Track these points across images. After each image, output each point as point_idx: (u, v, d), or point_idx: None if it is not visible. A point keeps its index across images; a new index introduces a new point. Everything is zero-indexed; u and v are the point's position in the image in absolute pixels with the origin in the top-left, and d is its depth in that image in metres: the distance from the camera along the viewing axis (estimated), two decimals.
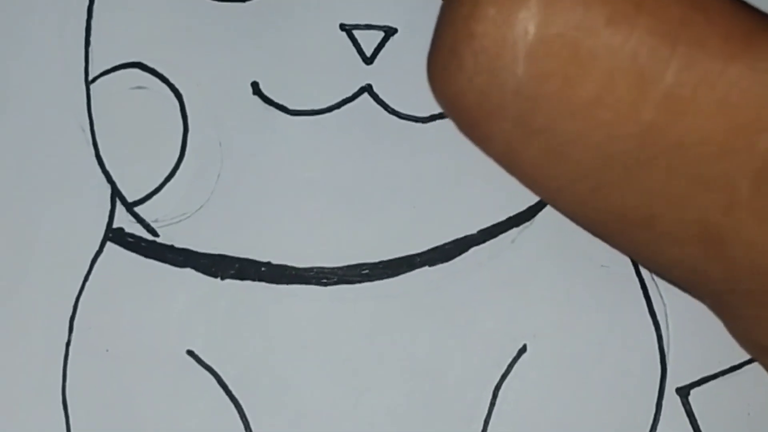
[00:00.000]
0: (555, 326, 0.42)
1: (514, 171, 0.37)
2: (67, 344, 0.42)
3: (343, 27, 0.43)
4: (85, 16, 0.43)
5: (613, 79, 0.34)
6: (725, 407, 0.42)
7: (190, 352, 0.42)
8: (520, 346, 0.42)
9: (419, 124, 0.43)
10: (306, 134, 0.43)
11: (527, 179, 0.37)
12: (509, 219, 0.43)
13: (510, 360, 0.42)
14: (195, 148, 0.43)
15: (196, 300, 0.42)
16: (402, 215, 0.43)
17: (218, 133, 0.43)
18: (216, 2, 0.43)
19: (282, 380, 0.42)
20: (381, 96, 0.43)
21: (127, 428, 0.42)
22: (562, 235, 0.42)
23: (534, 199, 0.43)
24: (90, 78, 0.43)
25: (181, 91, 0.43)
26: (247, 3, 0.43)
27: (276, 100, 0.43)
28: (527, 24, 0.33)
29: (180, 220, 0.43)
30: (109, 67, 0.43)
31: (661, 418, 0.42)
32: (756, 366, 0.42)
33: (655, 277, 0.43)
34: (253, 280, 0.42)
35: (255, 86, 0.43)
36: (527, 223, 0.43)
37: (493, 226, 0.43)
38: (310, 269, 0.42)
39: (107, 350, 0.42)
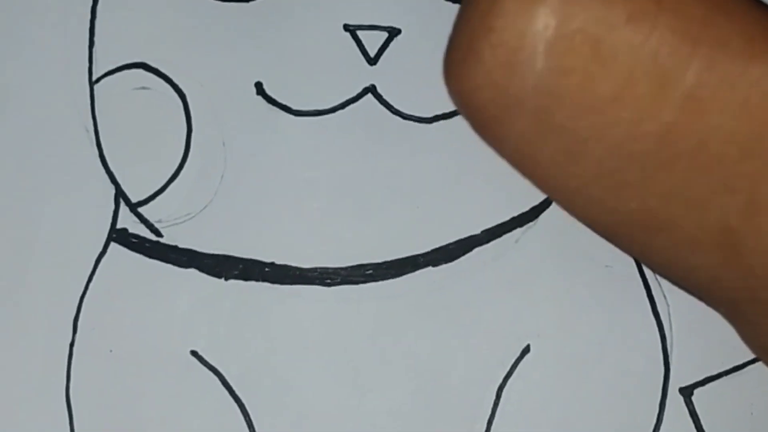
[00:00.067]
0: (558, 326, 0.42)
1: (528, 171, 0.36)
2: (71, 344, 0.42)
3: (346, 27, 0.42)
4: (88, 17, 0.43)
5: (633, 77, 0.33)
6: (728, 407, 0.42)
7: (194, 353, 0.42)
8: (524, 346, 0.42)
9: (423, 125, 0.42)
10: (309, 135, 0.42)
11: (541, 179, 0.37)
12: (513, 219, 0.42)
13: (513, 360, 0.42)
14: (198, 149, 0.42)
15: (200, 300, 0.42)
16: (406, 215, 0.42)
17: (222, 134, 0.42)
18: (219, 2, 0.42)
19: (285, 380, 0.42)
20: (385, 97, 0.42)
21: (131, 428, 0.41)
22: (565, 235, 0.42)
23: (538, 199, 0.42)
24: (94, 78, 0.42)
25: (185, 91, 0.42)
26: (251, 3, 0.42)
27: (279, 100, 0.42)
28: (547, 19, 0.33)
29: (184, 221, 0.42)
30: (112, 67, 0.42)
31: (665, 418, 0.42)
32: (759, 366, 0.41)
33: (659, 277, 0.42)
34: (257, 280, 0.42)
35: (258, 86, 0.42)
36: (531, 224, 0.42)
37: (497, 226, 0.42)
38: (314, 269, 0.42)
39: (111, 350, 0.42)
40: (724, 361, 0.42)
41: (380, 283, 0.42)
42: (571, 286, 0.42)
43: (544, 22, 0.33)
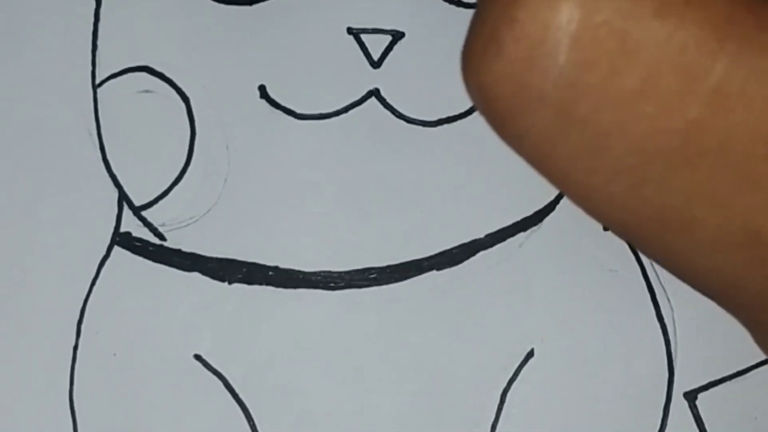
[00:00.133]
0: (562, 330, 0.41)
1: (547, 168, 0.35)
2: (75, 348, 0.41)
3: (350, 31, 0.42)
4: (92, 20, 0.42)
5: (659, 72, 0.32)
6: (732, 411, 0.41)
7: (197, 356, 0.41)
8: (528, 350, 0.41)
9: (427, 128, 0.42)
10: (313, 138, 0.42)
11: (561, 177, 0.35)
12: (517, 223, 0.42)
13: (518, 364, 0.41)
14: (202, 152, 0.42)
15: (204, 304, 0.41)
16: (409, 219, 0.42)
17: (225, 137, 0.42)
18: (223, 6, 0.42)
19: (289, 384, 0.41)
20: (388, 100, 0.42)
21: (134, 431, 0.41)
22: (569, 239, 0.41)
23: (542, 203, 0.42)
24: (97, 82, 0.42)
25: (188, 94, 0.42)
26: (254, 6, 0.42)
27: (283, 103, 0.42)
28: (572, 11, 0.32)
29: (187, 224, 0.42)
30: (116, 70, 0.42)
31: (669, 422, 0.41)
32: (763, 371, 0.41)
33: (663, 282, 0.41)
34: (261, 284, 0.41)
35: (262, 90, 0.42)
36: (535, 228, 0.42)
37: (501, 230, 0.42)
38: (318, 273, 0.42)
39: (114, 354, 0.41)
40: (728, 365, 0.42)
41: (384, 287, 0.42)
42: (575, 290, 0.42)
43: (568, 15, 0.32)
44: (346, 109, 0.41)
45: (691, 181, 0.33)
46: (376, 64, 0.41)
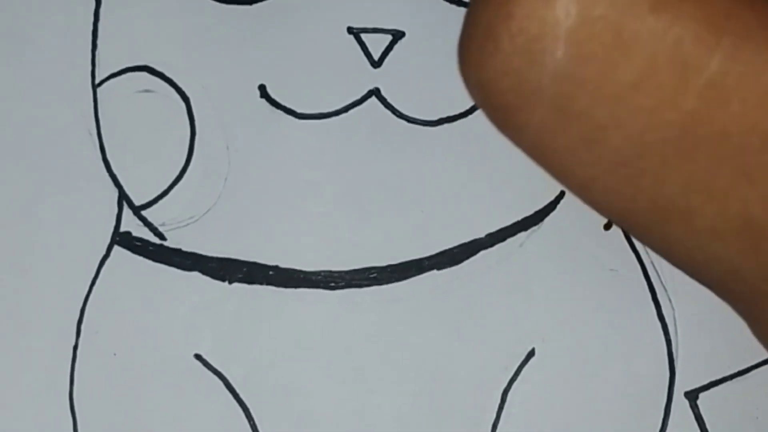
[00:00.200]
0: (563, 330, 0.42)
1: (545, 161, 0.36)
2: (75, 348, 0.42)
3: (350, 30, 0.42)
4: (92, 20, 0.43)
5: (655, 65, 0.33)
6: (734, 411, 0.42)
7: (198, 356, 0.42)
8: (529, 349, 0.42)
9: (427, 128, 0.42)
10: (313, 137, 0.42)
11: (559, 169, 0.36)
12: (517, 223, 0.42)
13: (518, 363, 0.42)
14: (202, 152, 0.42)
15: (204, 304, 0.42)
16: (410, 219, 0.42)
17: (225, 137, 0.42)
18: (223, 5, 0.42)
19: (289, 384, 0.42)
20: (389, 99, 0.42)
21: (134, 431, 0.42)
22: (570, 238, 0.42)
23: (542, 203, 0.42)
24: (97, 81, 0.42)
25: (188, 94, 0.42)
26: (254, 6, 0.43)
27: (283, 103, 0.42)
28: (569, 5, 0.32)
29: (187, 224, 0.42)
30: (116, 70, 0.43)
31: (670, 421, 0.42)
32: (765, 370, 0.42)
33: (664, 281, 0.42)
34: (261, 283, 0.42)
35: (262, 89, 0.42)
36: (535, 227, 0.42)
37: (502, 229, 0.42)
38: (318, 273, 0.42)
39: (114, 354, 0.42)
40: (729, 365, 0.42)
41: (384, 286, 0.42)
42: (576, 290, 0.42)
43: (565, 9, 0.33)
44: (346, 109, 0.42)
45: (687, 172, 0.34)
46: (376, 64, 0.42)
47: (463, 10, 0.41)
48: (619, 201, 0.36)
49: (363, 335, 0.42)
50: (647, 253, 0.42)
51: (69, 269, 0.42)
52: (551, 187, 0.38)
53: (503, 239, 0.42)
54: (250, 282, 0.42)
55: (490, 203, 0.42)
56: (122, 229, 0.42)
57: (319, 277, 0.42)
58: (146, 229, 0.42)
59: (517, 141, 0.36)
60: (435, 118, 0.42)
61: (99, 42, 0.43)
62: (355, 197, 0.42)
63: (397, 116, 0.42)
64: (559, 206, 0.42)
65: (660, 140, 0.34)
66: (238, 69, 0.43)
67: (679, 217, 0.35)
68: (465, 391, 0.42)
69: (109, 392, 0.42)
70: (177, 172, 0.42)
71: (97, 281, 0.42)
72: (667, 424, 0.42)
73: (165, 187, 0.42)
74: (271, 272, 0.42)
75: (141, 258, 0.42)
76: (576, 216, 0.40)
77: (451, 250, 0.42)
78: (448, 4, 0.42)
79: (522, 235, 0.42)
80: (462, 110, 0.42)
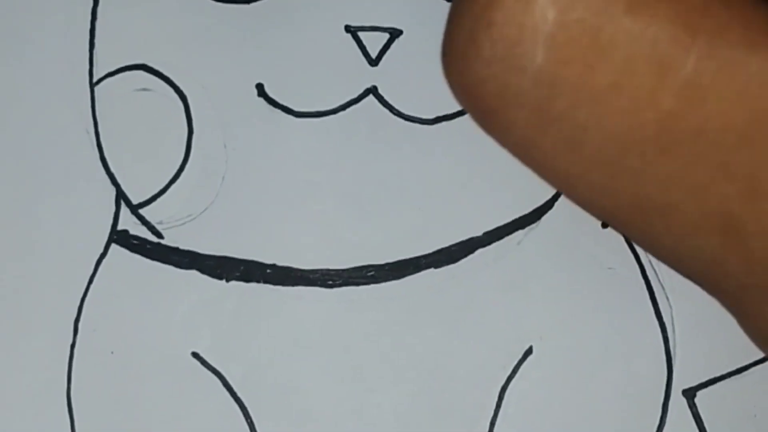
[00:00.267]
0: (561, 328, 0.43)
1: (530, 160, 0.37)
2: (72, 346, 0.42)
3: (348, 29, 0.43)
4: (89, 18, 0.43)
5: (632, 66, 0.34)
6: (731, 409, 0.43)
7: (195, 354, 0.42)
8: (526, 347, 0.43)
9: (425, 126, 0.43)
10: (311, 136, 0.43)
11: (543, 169, 0.37)
12: (515, 221, 0.43)
13: (516, 362, 0.43)
14: (200, 150, 0.43)
15: (201, 302, 0.43)
16: (407, 217, 0.43)
17: (223, 135, 0.43)
18: (220, 4, 0.43)
19: (287, 382, 0.42)
20: (386, 98, 0.43)
21: (132, 430, 0.42)
22: (568, 237, 0.43)
23: (540, 201, 0.43)
24: (94, 80, 0.43)
25: (186, 92, 0.43)
26: (252, 5, 0.43)
27: (281, 101, 0.43)
28: (546, 10, 0.33)
29: (185, 222, 0.43)
30: (113, 69, 0.43)
31: (668, 420, 0.42)
32: (762, 368, 0.42)
33: (662, 280, 0.43)
34: (259, 281, 0.43)
35: (260, 88, 0.43)
36: (533, 225, 0.43)
37: (499, 228, 0.43)
38: (316, 271, 0.43)
39: (112, 352, 0.42)
40: (727, 362, 0.43)
41: (382, 284, 0.43)
42: (574, 288, 0.43)
43: (543, 15, 0.34)
44: (343, 107, 0.42)
45: (667, 170, 0.35)
46: (373, 62, 0.42)
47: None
48: (602, 199, 0.37)
49: (360, 333, 0.42)
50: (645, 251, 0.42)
51: (66, 267, 0.43)
52: (549, 185, 0.38)
53: (501, 237, 0.43)
54: (247, 280, 0.42)
55: (488, 201, 0.43)
56: (120, 227, 0.43)
57: (317, 275, 0.42)
58: (144, 228, 0.43)
59: (501, 142, 0.37)
60: (432, 116, 0.43)
61: (96, 40, 0.43)
62: (353, 195, 0.43)
63: (395, 114, 0.43)
64: (556, 204, 0.43)
65: (639, 139, 0.35)
66: (236, 67, 0.43)
67: (661, 213, 0.36)
68: (463, 389, 0.42)
69: (106, 391, 0.42)
70: (174, 171, 0.43)
71: (95, 279, 0.43)
72: (664, 422, 0.42)
73: (162, 185, 0.43)
74: (268, 270, 0.42)
75: (138, 256, 0.43)
76: (573, 214, 0.40)
77: (448, 248, 0.42)
78: (445, 2, 0.43)
79: (519, 233, 0.43)
80: (459, 108, 0.42)
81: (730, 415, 0.43)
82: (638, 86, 0.34)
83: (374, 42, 0.43)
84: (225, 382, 0.43)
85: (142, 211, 0.43)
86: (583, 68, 0.34)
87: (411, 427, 0.43)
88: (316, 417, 0.43)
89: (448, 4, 0.42)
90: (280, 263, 0.43)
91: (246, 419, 0.42)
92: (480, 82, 0.35)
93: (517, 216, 0.43)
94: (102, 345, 0.43)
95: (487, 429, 0.43)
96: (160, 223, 0.43)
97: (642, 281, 0.43)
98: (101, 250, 0.43)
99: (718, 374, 0.43)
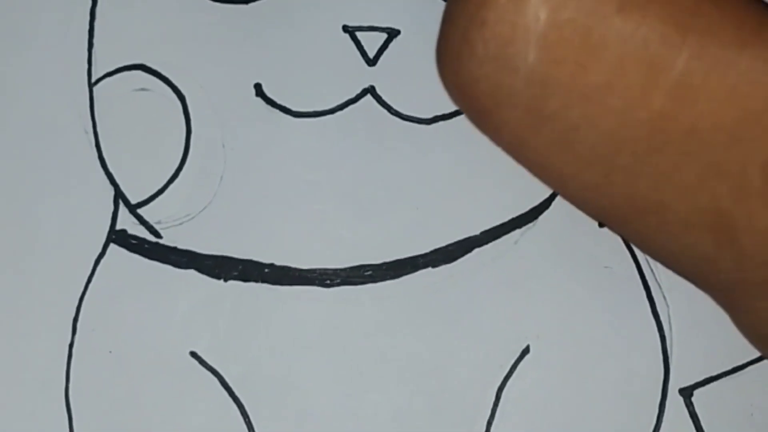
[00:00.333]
0: (558, 327, 0.43)
1: (523, 159, 0.38)
2: (71, 346, 0.43)
3: (345, 28, 0.43)
4: (87, 18, 0.44)
5: (623, 66, 0.34)
6: (728, 408, 0.43)
7: (194, 354, 0.43)
8: (524, 346, 0.43)
9: (422, 126, 0.43)
10: (309, 136, 0.43)
11: (537, 167, 0.38)
12: (512, 220, 0.43)
13: (513, 361, 0.43)
14: (198, 150, 0.43)
15: (200, 301, 0.43)
16: (405, 216, 0.43)
17: (221, 135, 0.43)
18: (218, 4, 0.44)
19: (285, 381, 0.43)
20: (384, 97, 0.43)
21: (130, 429, 0.42)
22: (565, 236, 0.43)
23: (537, 200, 0.43)
24: (93, 80, 0.43)
25: (184, 92, 0.43)
26: (250, 5, 0.44)
27: (279, 101, 0.43)
28: (538, 10, 0.34)
29: (183, 222, 0.43)
30: (112, 69, 0.43)
31: (664, 418, 0.43)
32: (759, 366, 0.43)
33: (659, 279, 0.43)
34: (257, 281, 0.43)
35: (258, 88, 0.43)
36: (530, 225, 0.43)
37: (496, 227, 0.43)
38: (314, 270, 0.43)
39: (110, 352, 0.43)
40: (724, 361, 0.43)
41: (379, 284, 0.43)
42: (571, 287, 0.43)
43: (535, 15, 0.34)
44: (341, 107, 0.43)
45: (659, 168, 0.36)
46: (371, 62, 0.42)
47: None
48: (595, 196, 0.38)
49: (358, 332, 0.43)
50: None
51: (65, 267, 0.43)
52: (544, 184, 0.39)
53: (498, 237, 0.43)
54: (245, 280, 0.43)
55: (485, 200, 0.43)
56: (118, 227, 0.43)
57: (314, 274, 0.42)
58: (142, 227, 0.43)
59: (495, 141, 0.38)
60: (430, 115, 0.43)
61: (95, 40, 0.44)
62: (351, 195, 0.43)
63: (392, 114, 0.43)
64: (553, 204, 0.43)
65: (631, 138, 0.35)
66: (234, 67, 0.44)
67: (653, 211, 0.37)
68: (460, 388, 0.43)
69: (104, 390, 0.43)
70: (173, 171, 0.43)
71: (93, 279, 0.43)
72: (661, 421, 0.43)
73: (161, 185, 0.43)
74: (266, 270, 0.42)
75: (137, 256, 0.43)
76: (570, 214, 0.41)
77: (445, 247, 0.43)
78: (442, 2, 0.43)
79: (517, 232, 0.43)
80: (456, 108, 0.42)
81: (727, 413, 0.43)
82: (630, 86, 0.35)
83: (372, 42, 0.44)
84: (223, 381, 0.43)
85: (140, 211, 0.43)
86: (575, 68, 0.34)
87: (408, 427, 0.43)
88: (314, 416, 0.43)
89: (445, 5, 0.42)
90: (278, 263, 0.43)
91: (244, 418, 0.43)
92: (473, 82, 0.36)
93: (514, 215, 0.44)
94: (100, 344, 0.43)
95: (485, 428, 0.43)
96: (159, 222, 0.43)
97: (639, 280, 0.44)
98: (100, 250, 0.43)
99: (714, 373, 0.43)
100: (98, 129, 0.44)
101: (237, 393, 0.43)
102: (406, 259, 0.43)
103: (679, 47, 0.34)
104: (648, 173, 0.36)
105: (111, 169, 0.44)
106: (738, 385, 0.43)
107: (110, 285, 0.43)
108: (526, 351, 0.43)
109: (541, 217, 0.44)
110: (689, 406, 0.43)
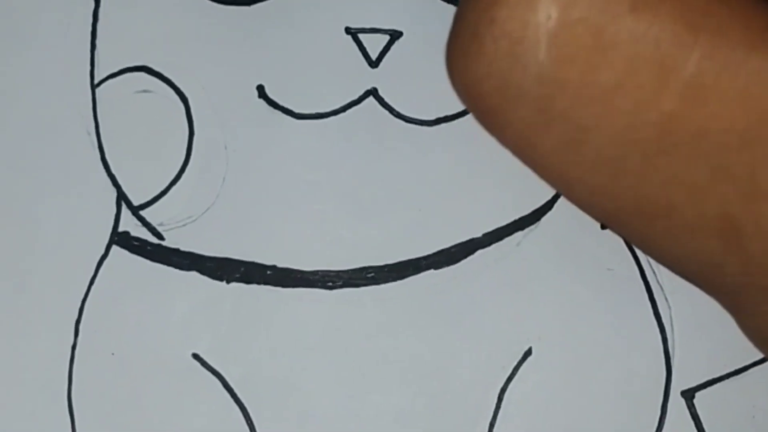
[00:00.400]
0: (560, 329, 0.43)
1: (531, 160, 0.37)
2: (73, 347, 0.42)
3: (348, 30, 0.43)
4: (90, 20, 0.43)
5: (634, 66, 0.34)
6: (730, 410, 0.43)
7: (196, 356, 0.42)
8: (526, 348, 0.43)
9: (425, 128, 0.43)
10: (311, 137, 0.43)
11: (544, 169, 0.37)
12: (514, 222, 0.43)
13: (515, 363, 0.43)
14: (200, 152, 0.43)
15: (202, 303, 0.43)
16: (407, 218, 0.43)
17: (224, 137, 0.43)
18: (221, 6, 0.43)
19: (287, 383, 0.42)
20: (386, 99, 0.43)
21: (133, 431, 0.42)
22: (567, 238, 0.43)
23: (539, 202, 0.43)
24: (96, 81, 0.43)
25: (187, 94, 0.43)
26: (253, 6, 0.43)
27: (281, 103, 0.43)
28: (549, 8, 0.33)
29: (185, 224, 0.43)
30: (114, 70, 0.43)
31: (666, 421, 0.42)
32: (761, 369, 0.42)
33: (661, 281, 0.43)
34: (259, 283, 0.43)
35: (260, 89, 0.43)
36: (532, 226, 0.43)
37: (499, 229, 0.43)
38: (316, 272, 0.43)
39: (113, 353, 0.42)
40: (726, 363, 0.43)
41: (382, 286, 0.43)
42: (573, 289, 0.43)
43: (546, 12, 0.34)
44: (344, 109, 0.42)
45: (668, 171, 0.35)
46: (374, 64, 0.42)
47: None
48: (602, 199, 0.37)
49: (360, 335, 0.43)
50: None
51: (67, 269, 0.43)
52: (548, 186, 0.39)
53: (500, 238, 0.43)
54: (247, 282, 0.42)
55: (488, 202, 0.43)
56: (121, 228, 0.43)
57: (317, 276, 0.42)
58: (144, 229, 0.43)
59: (502, 141, 0.37)
60: (432, 117, 0.43)
61: (98, 42, 0.43)
62: (353, 197, 0.43)
63: (395, 116, 0.43)
64: (556, 205, 0.43)
65: (641, 140, 0.35)
66: (237, 69, 0.43)
67: (661, 214, 0.36)
68: (462, 391, 0.42)
69: (107, 392, 0.42)
70: (175, 172, 0.43)
71: (96, 281, 0.43)
72: (663, 423, 0.42)
73: (163, 187, 0.43)
74: (268, 272, 0.42)
75: (139, 258, 0.43)
76: (573, 215, 0.40)
77: (448, 249, 0.43)
78: (445, 4, 0.43)
79: (519, 234, 0.43)
80: (459, 110, 0.42)
81: (729, 416, 0.43)
82: (640, 86, 0.34)
83: (374, 44, 0.43)
84: (225, 383, 0.43)
85: (142, 213, 0.43)
86: (585, 67, 0.34)
87: (410, 428, 0.43)
88: (316, 418, 0.43)
89: (448, 6, 0.42)
90: (280, 265, 0.43)
91: (246, 420, 0.43)
92: (482, 80, 0.35)
93: (516, 217, 0.43)
94: (103, 346, 0.43)
95: (486, 430, 0.42)
96: (161, 224, 0.43)
97: (641, 282, 0.43)
98: (102, 252, 0.43)
99: (717, 375, 0.43)
100: (101, 131, 0.43)
101: (239, 395, 0.43)
102: (408, 261, 0.43)
103: (691, 47, 0.34)
104: (656, 176, 0.35)
105: (113, 171, 0.43)
106: (740, 387, 0.43)
107: (113, 287, 0.43)
108: (528, 353, 0.43)
109: (543, 219, 0.43)
110: (691, 408, 0.43)
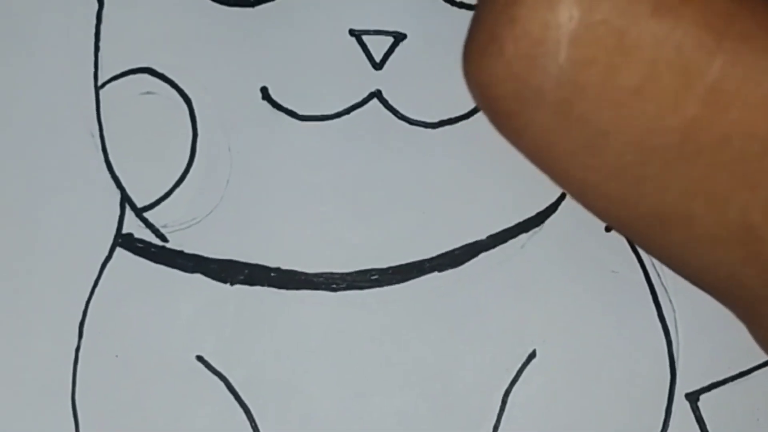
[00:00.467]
0: (564, 331, 0.42)
1: (547, 165, 0.36)
2: (77, 349, 0.42)
3: (352, 32, 0.43)
4: (94, 22, 0.43)
5: (656, 70, 0.33)
6: (734, 413, 0.42)
7: (200, 358, 0.42)
8: (530, 351, 0.42)
9: (429, 130, 0.42)
10: (315, 139, 0.42)
11: (561, 174, 0.36)
12: (519, 224, 0.42)
13: (519, 365, 0.42)
14: (204, 154, 0.42)
15: (206, 305, 0.42)
16: (411, 221, 0.42)
17: (227, 139, 0.42)
18: (225, 7, 0.43)
19: (291, 385, 0.42)
20: (390, 102, 0.42)
21: None
22: (571, 240, 0.42)
23: (543, 204, 0.42)
24: (99, 83, 0.43)
25: (190, 96, 0.42)
26: (257, 8, 0.43)
27: (285, 105, 0.42)
28: (571, 9, 0.32)
29: (189, 226, 0.42)
30: (118, 72, 0.43)
31: (671, 423, 0.42)
32: (766, 371, 0.42)
33: (665, 283, 0.42)
34: (263, 285, 0.42)
35: (264, 91, 0.43)
36: (537, 229, 0.43)
37: (503, 231, 0.42)
38: (320, 275, 0.42)
39: (116, 355, 0.42)
40: (730, 366, 0.43)
41: (386, 288, 0.42)
42: (577, 292, 0.43)
43: (568, 13, 0.33)
44: (348, 111, 0.42)
45: (689, 178, 0.34)
46: (378, 66, 0.42)
47: (464, 12, 0.42)
48: (619, 206, 0.36)
49: (364, 337, 0.42)
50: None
51: (71, 271, 0.42)
52: (552, 188, 0.39)
53: (504, 241, 0.43)
54: (251, 284, 0.42)
55: (492, 205, 0.42)
56: (124, 230, 0.43)
57: (321, 278, 0.42)
58: (148, 231, 0.43)
59: (517, 144, 0.36)
60: (436, 120, 0.42)
61: (101, 44, 0.43)
62: (357, 199, 0.42)
63: (399, 118, 0.42)
64: (560, 208, 0.42)
65: (661, 146, 0.34)
66: (240, 71, 0.43)
67: (680, 223, 0.35)
68: (466, 393, 0.42)
69: (111, 394, 0.42)
70: (179, 174, 0.42)
71: (100, 283, 0.42)
72: (668, 426, 0.42)
73: (167, 189, 0.42)
74: (272, 274, 0.42)
75: (143, 260, 0.42)
76: (577, 217, 0.40)
77: (452, 251, 0.42)
78: (449, 6, 0.43)
79: (523, 236, 0.43)
80: (463, 112, 0.42)
81: (734, 419, 0.42)
82: (662, 91, 0.33)
83: (378, 46, 0.43)
84: (229, 385, 0.42)
85: (146, 215, 0.43)
86: (606, 70, 0.33)
87: (414, 431, 0.42)
88: (320, 420, 0.42)
89: (452, 9, 0.42)
90: (284, 267, 0.42)
91: (250, 423, 0.42)
92: (500, 82, 0.34)
93: (520, 220, 0.43)
94: (106, 348, 0.42)
95: None
96: (165, 226, 0.43)
97: (645, 284, 0.43)
98: (106, 254, 0.42)
99: (721, 378, 0.42)
100: (105, 132, 0.43)
101: (243, 397, 0.42)
102: (412, 263, 0.42)
103: (714, 53, 0.33)
104: (677, 184, 0.34)
105: (117, 173, 0.43)
106: (744, 390, 0.42)
107: (117, 289, 0.42)
108: (532, 355, 0.42)
109: (547, 221, 0.43)
110: (695, 410, 0.42)
